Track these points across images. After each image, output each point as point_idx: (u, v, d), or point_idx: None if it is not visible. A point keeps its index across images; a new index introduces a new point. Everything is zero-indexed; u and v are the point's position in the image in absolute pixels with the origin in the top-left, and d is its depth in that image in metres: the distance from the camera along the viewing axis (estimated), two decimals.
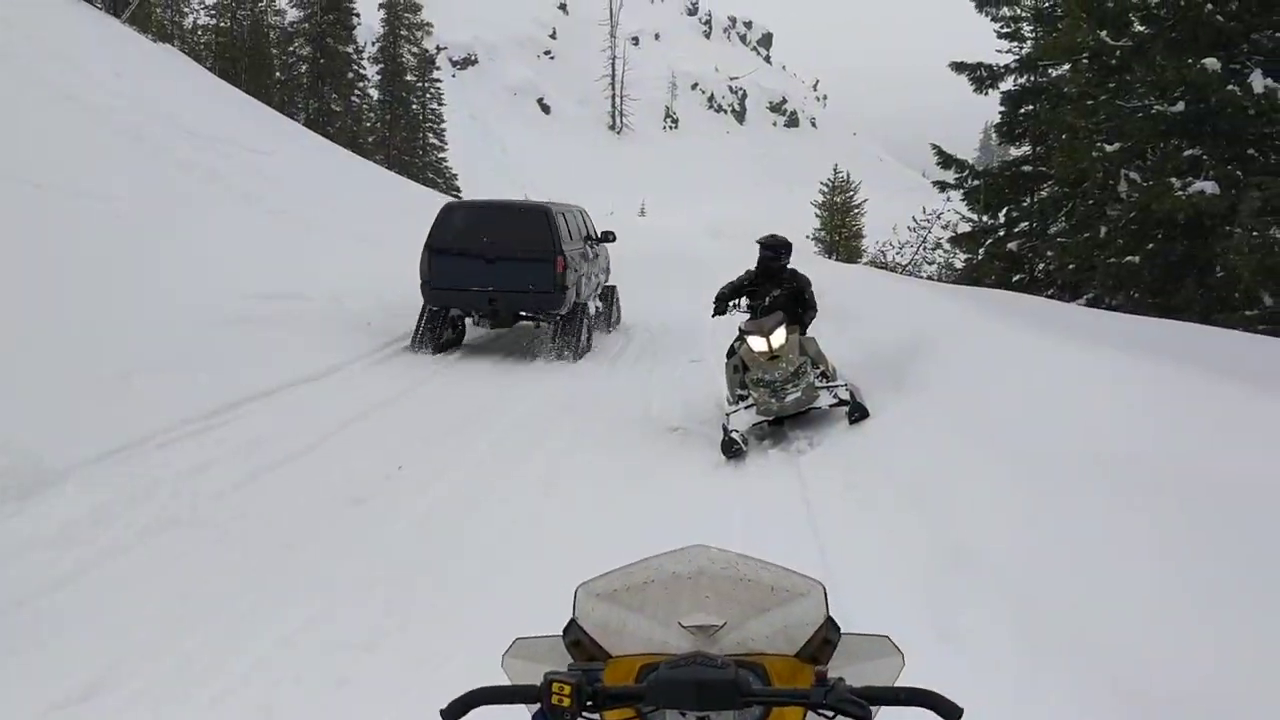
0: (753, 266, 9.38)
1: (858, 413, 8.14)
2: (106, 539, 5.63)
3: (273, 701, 4.02)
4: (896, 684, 1.63)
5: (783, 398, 8.37)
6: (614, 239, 15.17)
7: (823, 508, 6.45)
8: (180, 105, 20.99)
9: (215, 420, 7.90)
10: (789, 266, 9.38)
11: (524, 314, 12.53)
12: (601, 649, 1.68)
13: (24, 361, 7.50)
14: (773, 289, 9.15)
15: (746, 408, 8.59)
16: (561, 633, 1.72)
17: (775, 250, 9.31)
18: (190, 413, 7.77)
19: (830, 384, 8.67)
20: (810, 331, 9.08)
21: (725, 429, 8.30)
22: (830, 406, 8.67)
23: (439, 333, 12.18)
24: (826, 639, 1.67)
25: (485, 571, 5.50)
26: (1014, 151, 22.94)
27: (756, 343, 8.42)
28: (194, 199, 14.36)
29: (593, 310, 13.49)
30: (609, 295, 15.25)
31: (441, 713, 1.52)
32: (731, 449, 8.07)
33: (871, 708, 1.42)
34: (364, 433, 8.36)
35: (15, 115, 13.21)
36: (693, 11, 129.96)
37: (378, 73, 48.00)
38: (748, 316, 8.97)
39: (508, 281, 11.89)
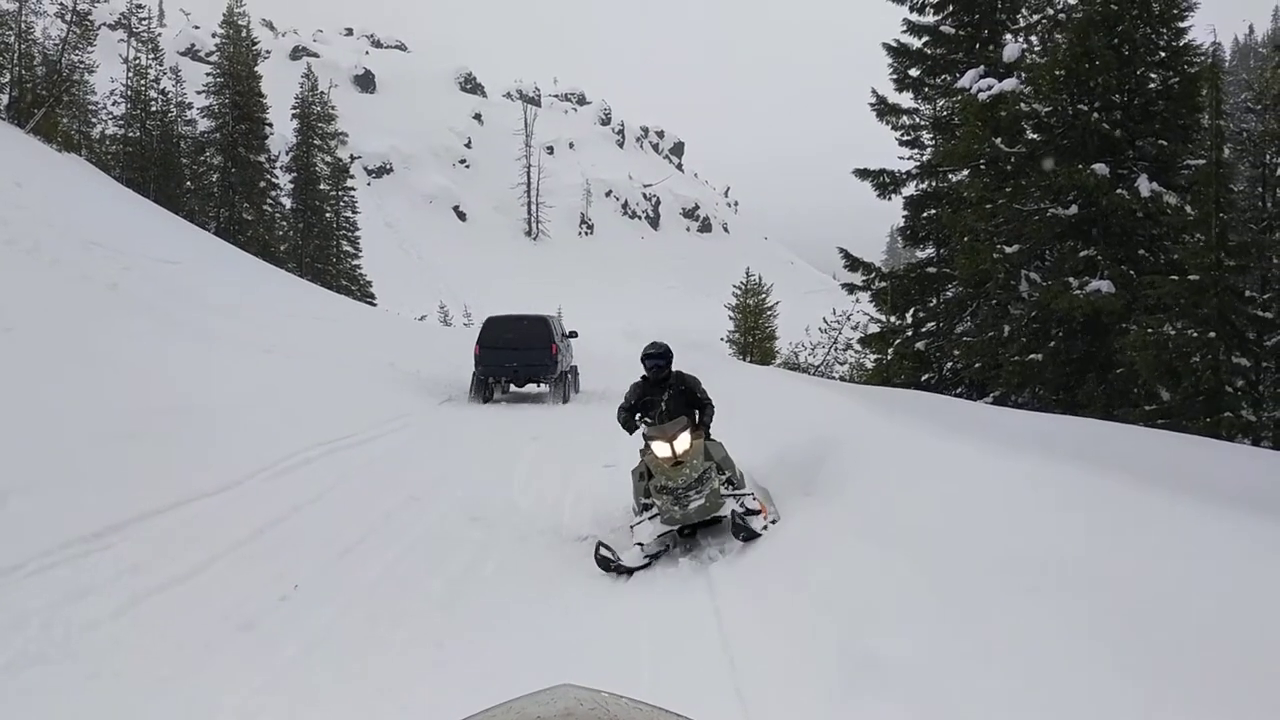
0: (638, 380, 9.33)
1: (744, 534, 7.77)
2: None
3: None
4: None
5: (685, 505, 8.12)
6: (577, 335, 23.07)
7: (733, 616, 6.31)
8: (84, 216, 20.65)
9: (97, 543, 7.47)
10: (675, 370, 9.32)
11: (533, 378, 20.25)
12: None
13: None
14: (663, 395, 9.02)
15: (651, 517, 8.37)
16: None
17: (660, 358, 9.20)
18: (70, 535, 7.35)
19: (736, 491, 8.50)
20: (720, 435, 9.02)
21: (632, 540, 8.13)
22: (738, 516, 8.08)
23: (485, 391, 19.77)
24: None
25: None
26: (919, 254, 23.57)
27: (660, 448, 8.29)
28: (93, 311, 13.98)
29: (569, 377, 21.50)
30: (573, 371, 22.34)
31: None
32: (608, 565, 7.81)
33: None
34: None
35: None
36: (606, 121, 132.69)
37: (290, 181, 47.95)
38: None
39: (524, 359, 19.63)
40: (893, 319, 22.44)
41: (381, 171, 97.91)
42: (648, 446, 8.54)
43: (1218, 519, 4.68)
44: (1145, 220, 16.21)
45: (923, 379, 20.91)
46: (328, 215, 49.28)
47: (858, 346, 26.18)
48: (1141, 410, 14.24)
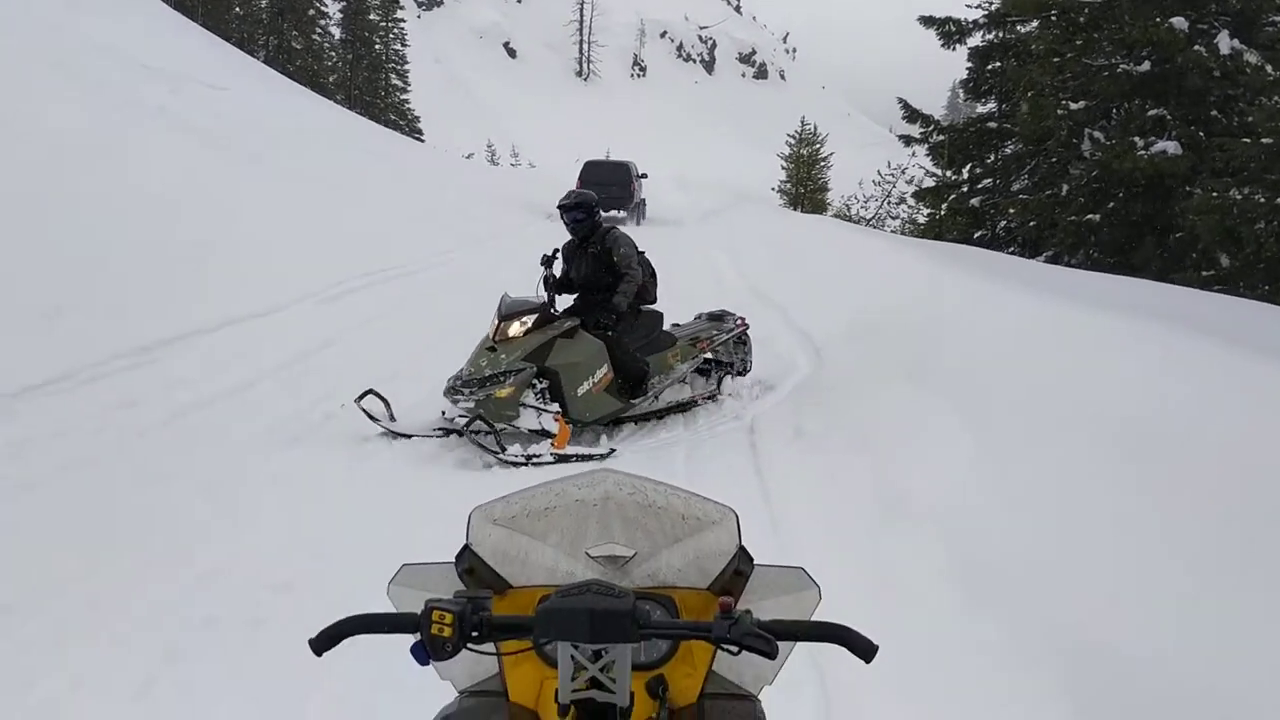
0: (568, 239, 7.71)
1: (495, 454, 6.34)
2: (19, 473, 5.39)
3: (174, 636, 3.87)
4: (812, 619, 1.51)
5: (454, 400, 6.72)
6: (647, 176, 29.73)
7: (769, 451, 6.34)
8: (132, 38, 20.41)
9: (144, 357, 7.61)
10: (606, 227, 7.56)
11: (616, 206, 26.33)
12: (500, 578, 1.58)
13: None
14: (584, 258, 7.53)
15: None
16: (454, 559, 1.59)
17: (578, 210, 7.37)
18: (119, 348, 7.48)
19: (542, 406, 6.74)
20: (767, 283, 8.83)
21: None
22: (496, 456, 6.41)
23: None
24: (739, 570, 1.56)
25: None
26: (980, 108, 22.89)
27: (492, 325, 7.02)
28: (141, 133, 13.92)
29: (642, 206, 28.43)
30: (644, 202, 28.97)
31: (310, 643, 1.41)
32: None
33: (781, 643, 1.32)
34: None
35: None
36: None
37: (340, 10, 47.03)
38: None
39: (611, 192, 25.75)
40: (949, 174, 21.96)
41: (431, 4, 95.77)
42: None
43: None
44: (1222, 79, 15.51)
45: (975, 236, 20.56)
46: (377, 47, 48.47)
47: (911, 201, 25.70)
48: (1198, 275, 13.93)
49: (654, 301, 7.80)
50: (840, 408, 6.73)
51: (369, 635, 1.43)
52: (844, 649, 1.36)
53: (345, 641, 1.42)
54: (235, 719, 3.38)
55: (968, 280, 9.14)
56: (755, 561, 1.59)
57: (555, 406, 6.83)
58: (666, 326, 7.91)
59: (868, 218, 29.50)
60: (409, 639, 1.38)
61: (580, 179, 26.14)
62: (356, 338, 9.52)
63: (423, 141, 44.63)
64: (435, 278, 13.45)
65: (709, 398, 7.85)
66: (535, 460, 6.41)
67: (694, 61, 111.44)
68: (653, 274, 7.72)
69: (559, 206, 7.49)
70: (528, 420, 6.70)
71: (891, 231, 26.45)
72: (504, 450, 6.40)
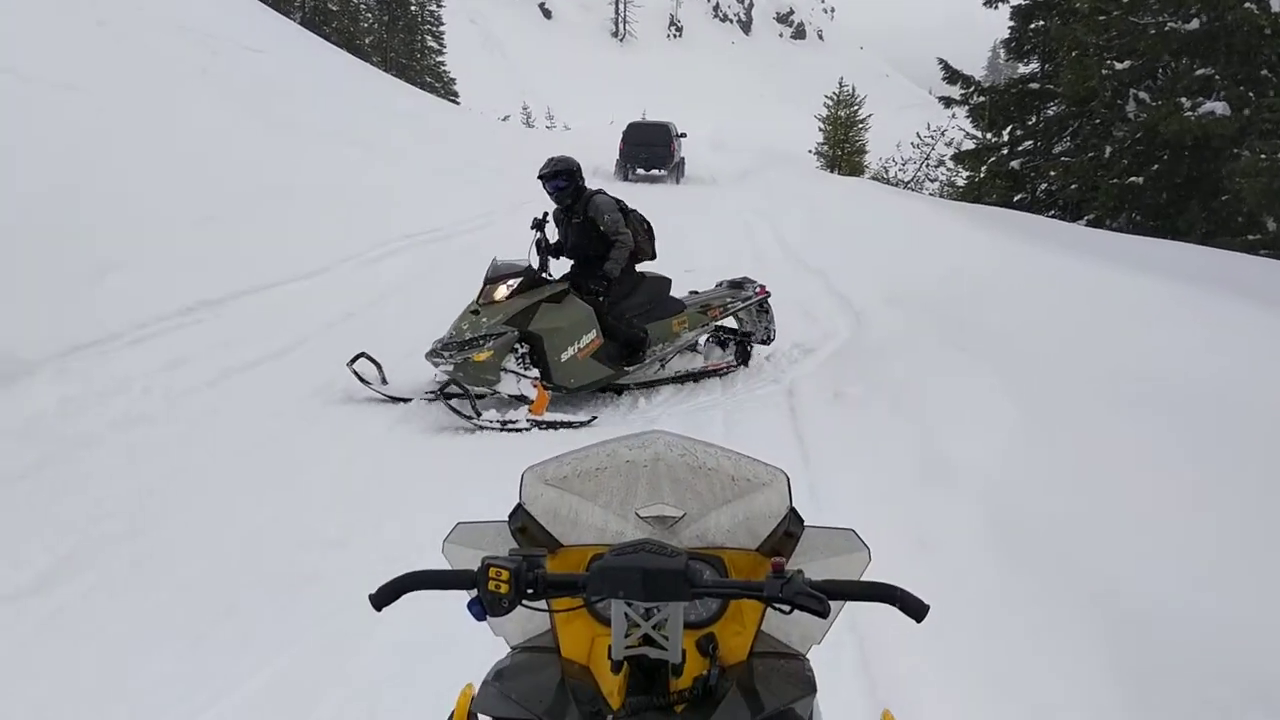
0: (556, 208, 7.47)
1: (464, 415, 6.26)
2: (73, 432, 5.53)
3: (228, 591, 3.97)
4: (861, 579, 1.54)
5: (435, 364, 6.64)
6: (686, 135, 29.94)
7: (809, 413, 6.35)
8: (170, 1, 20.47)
9: (190, 318, 7.73)
10: (590, 192, 7.33)
11: (656, 165, 27.50)
12: (551, 537, 1.62)
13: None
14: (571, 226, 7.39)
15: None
16: (507, 518, 1.63)
17: (558, 178, 7.18)
18: (165, 309, 7.60)
19: (522, 372, 6.69)
20: (807, 246, 8.77)
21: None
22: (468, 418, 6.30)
23: (626, 171, 27.37)
24: (789, 532, 1.59)
25: None
26: (1022, 69, 22.54)
27: (480, 287, 6.92)
28: (183, 96, 14.00)
29: (681, 165, 28.52)
30: (683, 161, 28.88)
31: (370, 598, 1.45)
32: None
33: (831, 603, 1.34)
34: None
35: None
36: None
37: None
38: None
39: (652, 152, 27.48)
40: (989, 136, 21.68)
41: None
42: None
43: None
44: (1273, 37, 15.16)
45: (1015, 199, 20.33)
46: (412, 8, 48.29)
47: (950, 163, 25.42)
48: (1244, 239, 13.72)
49: (652, 259, 7.65)
50: (880, 371, 6.70)
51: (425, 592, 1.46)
52: (894, 608, 1.38)
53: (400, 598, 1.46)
54: (289, 670, 3.47)
55: (1008, 244, 9.09)
56: (805, 523, 1.61)
57: (535, 372, 6.75)
58: (684, 293, 7.79)
59: (906, 180, 29.25)
60: (463, 595, 1.42)
61: (623, 139, 27.73)
62: (396, 300, 9.60)
63: (458, 104, 44.55)
64: (474, 241, 13.49)
65: (729, 368, 7.68)
66: (510, 426, 6.34)
67: (731, 22, 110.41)
68: (649, 230, 7.60)
69: (539, 176, 7.29)
70: (508, 385, 6.64)
71: (930, 195, 26.21)
72: (479, 415, 6.32)
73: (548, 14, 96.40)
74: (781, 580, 1.33)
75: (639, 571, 1.33)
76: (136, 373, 6.45)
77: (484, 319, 6.66)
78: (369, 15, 46.30)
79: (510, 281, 6.78)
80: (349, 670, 3.44)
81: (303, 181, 12.72)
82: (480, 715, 1.45)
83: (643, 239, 7.46)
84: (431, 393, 6.55)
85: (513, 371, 6.66)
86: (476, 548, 1.62)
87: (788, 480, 1.61)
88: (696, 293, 7.88)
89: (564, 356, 6.82)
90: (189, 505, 4.81)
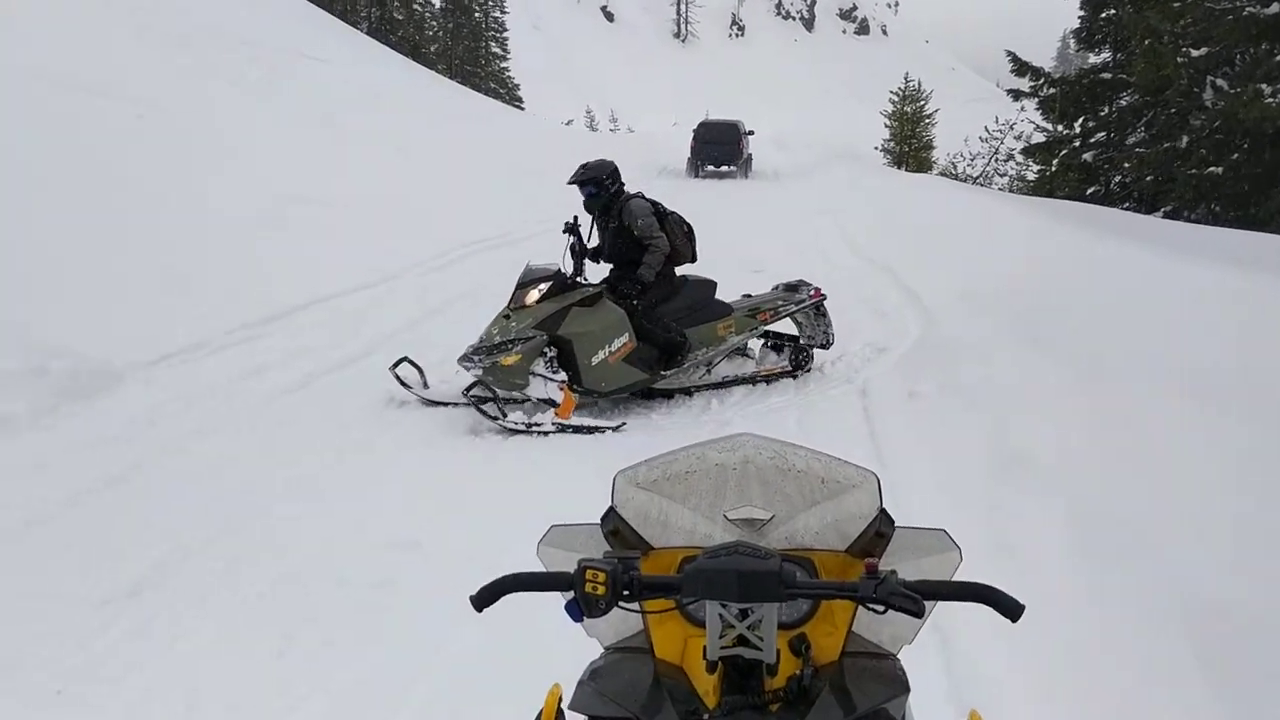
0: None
1: (489, 416, 6.33)
2: (162, 439, 5.68)
3: (313, 605, 4.04)
4: (953, 580, 1.53)
5: (466, 367, 6.61)
6: (754, 133, 31.59)
7: (881, 411, 6.30)
8: (237, 12, 20.93)
9: (265, 329, 7.91)
10: (627, 196, 7.30)
11: (726, 161, 28.64)
12: (642, 539, 1.64)
13: (84, 268, 7.60)
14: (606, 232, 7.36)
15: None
16: (600, 521, 1.66)
17: (589, 184, 7.20)
18: (243, 319, 7.80)
19: (549, 376, 6.64)
20: (871, 241, 8.68)
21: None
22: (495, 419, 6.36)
23: (696, 169, 28.52)
24: (879, 532, 1.59)
25: None
26: (1093, 59, 22.13)
27: (515, 293, 6.89)
28: (248, 106, 14.32)
29: (749, 162, 29.64)
30: (750, 158, 29.91)
31: (471, 599, 1.47)
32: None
33: (926, 602, 1.34)
34: None
35: (64, 25, 13.21)
36: None
37: None
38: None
39: (722, 149, 28.60)
40: (1059, 128, 21.29)
41: None
42: None
43: None
44: None
45: (1088, 192, 19.93)
46: (476, 15, 48.86)
47: (1020, 157, 25.00)
48: None
49: (691, 261, 7.55)
50: (954, 369, 6.61)
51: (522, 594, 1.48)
52: (989, 608, 1.37)
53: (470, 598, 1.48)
54: (373, 672, 3.52)
55: (1082, 238, 8.94)
56: (896, 524, 1.60)
57: (562, 375, 6.70)
58: (736, 296, 7.66)
59: (974, 176, 28.84)
60: (555, 597, 1.45)
61: (694, 137, 28.96)
62: (460, 306, 9.71)
63: (522, 109, 44.92)
64: (538, 246, 13.58)
65: (785, 374, 7.51)
66: (537, 429, 6.35)
67: (793, 19, 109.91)
68: (689, 233, 7.47)
69: (569, 182, 7.31)
70: (536, 389, 6.59)
71: (999, 189, 25.82)
72: (505, 416, 6.36)
73: (610, 17, 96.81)
74: (875, 580, 1.33)
75: (734, 574, 1.34)
76: (217, 381, 6.63)
77: (514, 323, 6.67)
78: (434, 24, 46.89)
79: (541, 285, 6.77)
80: (431, 671, 3.48)
81: (369, 189, 12.94)
82: (571, 713, 1.46)
83: (681, 242, 7.34)
84: (474, 396, 6.55)
85: (541, 375, 6.63)
86: (570, 550, 1.65)
87: (878, 481, 1.61)
88: (750, 295, 7.74)
89: (594, 360, 6.76)
90: (270, 511, 4.91)
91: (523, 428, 6.32)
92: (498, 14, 49.55)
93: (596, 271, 7.49)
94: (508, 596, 1.47)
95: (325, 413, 6.47)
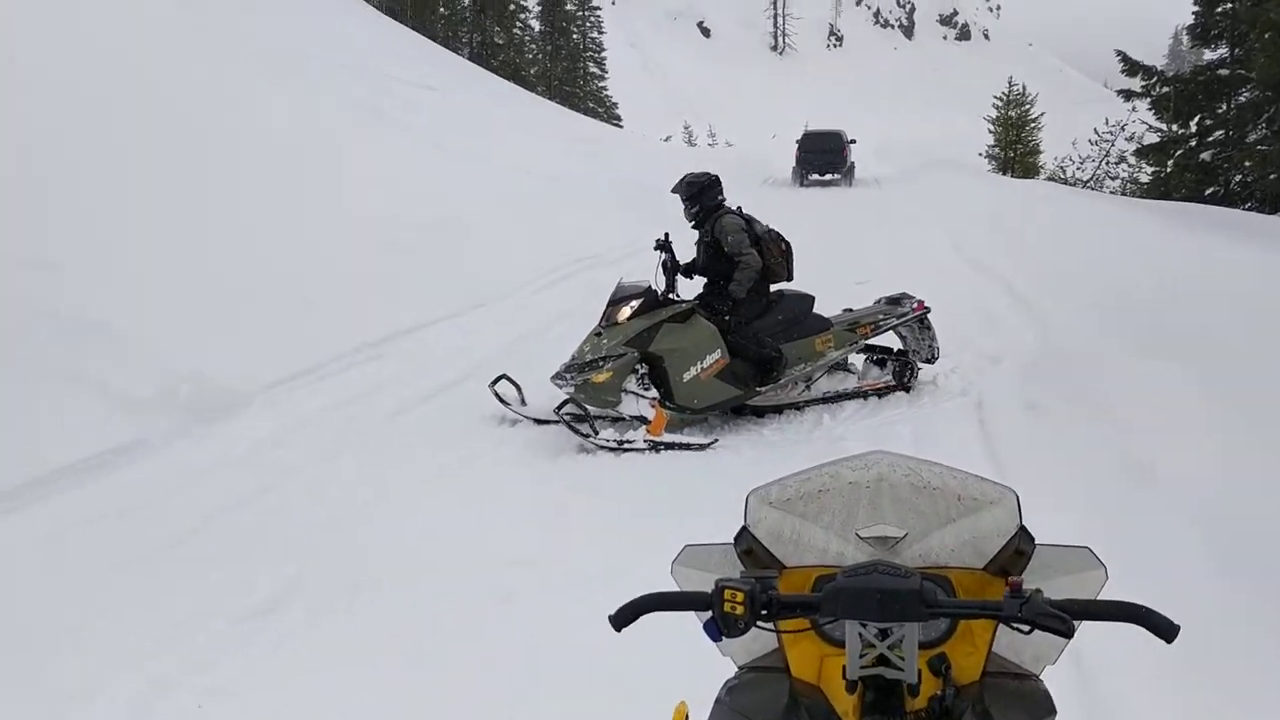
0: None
1: (582, 435, 6.36)
2: (288, 459, 5.87)
3: (440, 612, 4.12)
4: (1100, 598, 1.49)
5: (560, 385, 6.64)
6: (856, 141, 31.06)
7: (998, 422, 6.17)
8: (349, 44, 21.53)
9: (380, 350, 8.12)
10: (725, 210, 7.26)
11: (831, 170, 29.26)
12: (775, 559, 1.62)
13: (209, 292, 7.89)
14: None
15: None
16: (733, 541, 1.65)
17: (686, 200, 7.28)
18: (359, 341, 8.02)
19: (641, 392, 6.66)
20: (977, 253, 8.49)
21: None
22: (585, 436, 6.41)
23: (802, 177, 29.12)
24: (1019, 550, 1.55)
25: None
26: (1208, 55, 21.37)
27: (606, 310, 6.94)
28: (361, 134, 14.70)
29: (853, 169, 29.93)
30: (853, 165, 30.16)
31: (610, 619, 1.49)
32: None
33: (1074, 622, 1.30)
34: None
35: (192, 61, 13.76)
36: None
37: (538, 3, 48.15)
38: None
39: (826, 157, 29.30)
40: (1174, 128, 20.59)
41: None
42: None
43: None
44: None
45: (1206, 193, 19.24)
46: (574, 37, 49.43)
47: (1133, 159, 24.27)
48: None
49: (788, 280, 7.42)
50: (1073, 380, 6.43)
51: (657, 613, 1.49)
52: (1141, 628, 1.33)
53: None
54: (497, 687, 3.57)
55: (1204, 240, 8.63)
56: (1037, 541, 1.56)
57: (654, 392, 6.71)
58: (841, 308, 7.55)
59: (1085, 179, 28.08)
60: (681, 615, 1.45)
61: (799, 146, 30.01)
62: (566, 325, 9.81)
63: (621, 127, 45.24)
64: (639, 264, 13.65)
65: (890, 388, 7.34)
66: (628, 446, 6.35)
67: (892, 27, 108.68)
68: (785, 251, 7.33)
69: (672, 191, 7.40)
70: (628, 406, 6.60)
71: (1111, 193, 25.10)
72: (596, 434, 6.38)
73: (706, 33, 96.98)
74: (1021, 600, 1.30)
75: (875, 592, 1.33)
76: (339, 401, 6.83)
77: (605, 340, 6.69)
78: (533, 46, 47.57)
79: (632, 303, 6.78)
80: (555, 689, 3.52)
81: (476, 211, 13.15)
82: None
83: (775, 261, 7.23)
84: (567, 414, 6.58)
85: (632, 392, 6.63)
86: (704, 570, 1.65)
87: (1017, 498, 1.57)
88: (851, 309, 7.61)
89: (685, 377, 6.73)
90: (394, 529, 5.05)
91: (614, 445, 6.35)
92: (595, 34, 50.08)
93: (691, 288, 7.48)
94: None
95: (441, 431, 6.62)
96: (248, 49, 15.62)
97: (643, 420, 6.56)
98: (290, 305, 8.18)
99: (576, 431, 6.37)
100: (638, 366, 6.69)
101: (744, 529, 1.64)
